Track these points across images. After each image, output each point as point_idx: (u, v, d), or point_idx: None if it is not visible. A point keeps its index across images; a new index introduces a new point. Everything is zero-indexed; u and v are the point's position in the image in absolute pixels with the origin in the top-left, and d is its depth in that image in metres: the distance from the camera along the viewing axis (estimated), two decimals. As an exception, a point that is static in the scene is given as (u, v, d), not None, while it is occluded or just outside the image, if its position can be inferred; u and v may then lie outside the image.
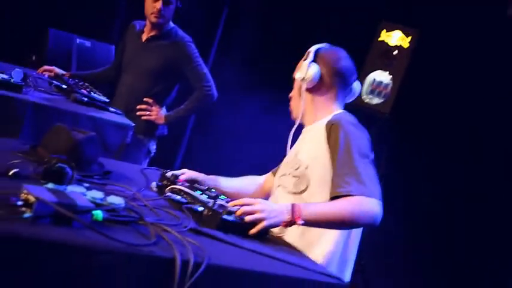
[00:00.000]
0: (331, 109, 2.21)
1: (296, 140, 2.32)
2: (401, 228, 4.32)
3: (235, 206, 1.79)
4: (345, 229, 2.06)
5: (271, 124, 4.61)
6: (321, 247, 2.07)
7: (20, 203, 1.35)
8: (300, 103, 2.21)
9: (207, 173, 2.27)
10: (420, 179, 4.44)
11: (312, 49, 2.21)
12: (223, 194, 2.05)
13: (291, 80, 2.30)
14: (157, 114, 3.55)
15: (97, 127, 2.94)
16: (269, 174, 2.46)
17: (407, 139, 4.49)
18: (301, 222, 1.84)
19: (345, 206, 1.90)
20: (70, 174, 1.58)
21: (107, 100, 3.27)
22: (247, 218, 1.76)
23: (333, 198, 1.95)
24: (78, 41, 4.65)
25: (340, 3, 4.91)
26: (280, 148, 2.42)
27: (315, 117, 2.22)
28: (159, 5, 3.45)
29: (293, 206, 1.85)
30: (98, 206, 1.46)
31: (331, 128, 2.07)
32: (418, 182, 4.47)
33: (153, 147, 3.66)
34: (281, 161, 2.45)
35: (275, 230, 1.94)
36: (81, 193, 1.51)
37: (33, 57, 4.79)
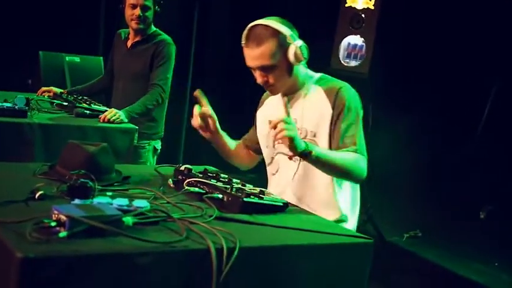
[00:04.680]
0: (305, 71, 2.14)
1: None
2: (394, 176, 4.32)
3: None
4: (339, 178, 2.09)
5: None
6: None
7: (53, 223, 1.30)
8: (289, 79, 2.09)
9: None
10: (407, 132, 4.43)
11: (285, 31, 2.02)
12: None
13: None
14: None
15: (105, 136, 2.89)
16: (241, 141, 2.41)
17: (389, 95, 4.45)
18: (314, 154, 1.89)
19: (351, 159, 2.00)
20: (93, 187, 1.53)
21: (107, 109, 3.20)
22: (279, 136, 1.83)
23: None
24: (67, 58, 4.56)
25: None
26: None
27: (299, 84, 2.13)
28: (137, 11, 3.35)
29: (307, 142, 1.92)
30: (125, 212, 1.42)
31: (338, 93, 2.05)
32: (404, 135, 4.46)
33: (158, 145, 3.60)
34: (248, 129, 2.42)
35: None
36: (108, 203, 1.47)
37: (30, 82, 4.72)
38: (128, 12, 3.39)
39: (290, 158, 2.06)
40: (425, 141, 4.50)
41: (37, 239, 1.24)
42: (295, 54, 2.03)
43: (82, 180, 1.52)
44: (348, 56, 4.65)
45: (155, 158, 3.64)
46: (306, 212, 1.86)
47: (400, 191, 4.54)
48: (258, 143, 2.32)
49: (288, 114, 1.90)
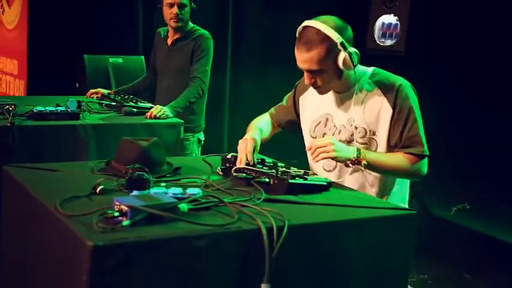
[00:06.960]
0: (357, 68, 2.11)
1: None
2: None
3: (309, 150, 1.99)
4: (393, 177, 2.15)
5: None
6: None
7: (116, 214, 1.41)
8: (338, 81, 2.10)
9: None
10: (447, 107, 4.41)
11: (335, 39, 2.00)
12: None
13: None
14: None
15: (153, 131, 3.01)
16: (271, 118, 2.44)
17: (427, 71, 4.44)
18: (365, 162, 1.98)
19: (403, 164, 2.06)
20: (149, 179, 1.64)
21: (152, 105, 3.32)
22: (320, 157, 1.94)
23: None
24: (111, 60, 4.71)
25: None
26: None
27: (350, 83, 2.14)
28: (175, 10, 3.47)
29: (359, 149, 2.01)
30: (180, 199, 1.52)
31: (397, 92, 2.07)
32: (444, 110, 4.45)
33: (201, 136, 3.72)
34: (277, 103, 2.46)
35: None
36: (163, 192, 1.57)
37: (77, 85, 4.89)
38: (166, 11, 3.50)
39: (346, 165, 2.06)
40: (466, 115, 4.48)
41: (103, 228, 1.35)
42: (345, 62, 2.02)
43: (138, 173, 1.63)
44: (383, 35, 4.67)
45: (200, 148, 3.75)
46: (349, 189, 1.93)
47: (446, 165, 4.53)
48: (288, 121, 2.39)
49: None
